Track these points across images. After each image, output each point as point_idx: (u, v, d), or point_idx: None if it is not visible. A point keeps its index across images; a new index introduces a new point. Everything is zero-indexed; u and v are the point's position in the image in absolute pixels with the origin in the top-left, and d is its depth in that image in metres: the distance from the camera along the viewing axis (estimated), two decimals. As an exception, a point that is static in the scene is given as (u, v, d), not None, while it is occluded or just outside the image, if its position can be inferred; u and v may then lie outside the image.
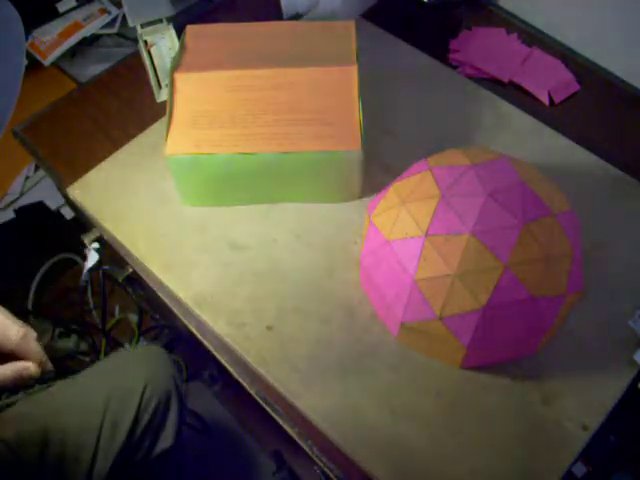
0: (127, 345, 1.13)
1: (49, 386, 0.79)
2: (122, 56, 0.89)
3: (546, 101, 0.81)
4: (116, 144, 0.77)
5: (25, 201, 1.24)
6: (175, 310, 0.69)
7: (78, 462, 0.72)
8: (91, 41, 1.06)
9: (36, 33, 1.02)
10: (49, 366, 0.59)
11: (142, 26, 0.79)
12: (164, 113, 0.66)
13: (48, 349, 1.11)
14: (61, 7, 1.04)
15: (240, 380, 0.65)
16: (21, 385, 0.57)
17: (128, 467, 0.77)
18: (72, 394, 0.77)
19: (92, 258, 0.77)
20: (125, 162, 0.75)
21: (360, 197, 0.71)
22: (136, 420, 0.76)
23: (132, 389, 0.77)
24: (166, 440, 0.81)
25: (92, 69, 1.04)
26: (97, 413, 0.74)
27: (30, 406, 0.75)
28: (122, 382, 0.78)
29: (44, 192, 1.25)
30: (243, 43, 0.70)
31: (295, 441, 0.61)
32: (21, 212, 1.24)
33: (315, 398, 0.58)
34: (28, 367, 0.56)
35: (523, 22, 0.90)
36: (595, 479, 0.59)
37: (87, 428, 0.73)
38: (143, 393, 0.77)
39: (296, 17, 0.89)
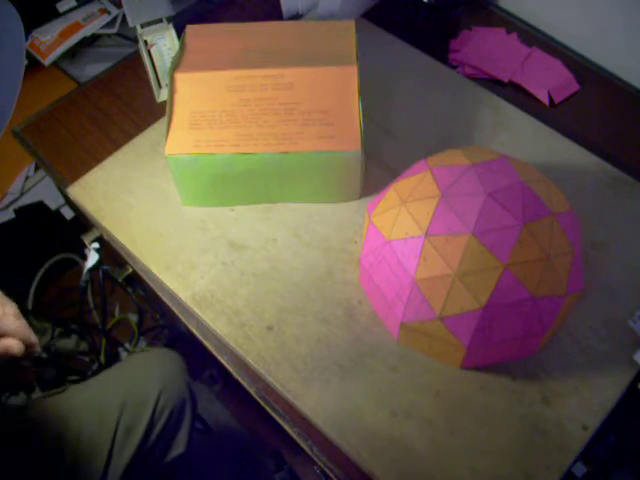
0: (127, 345, 1.13)
1: (64, 390, 0.79)
2: (122, 56, 0.89)
3: (546, 101, 0.81)
4: (116, 144, 0.77)
5: (25, 201, 1.24)
6: (175, 310, 0.69)
7: (91, 467, 0.72)
8: (91, 41, 1.06)
9: (36, 33, 1.02)
10: (33, 339, 0.54)
11: (142, 26, 0.79)
12: (164, 113, 0.66)
13: (48, 349, 1.11)
14: (61, 7, 1.04)
15: (240, 380, 0.65)
16: (9, 363, 0.53)
17: (140, 473, 0.76)
18: (86, 398, 0.77)
19: (92, 258, 0.77)
20: (125, 162, 0.75)
21: (360, 197, 0.71)
22: (150, 427, 0.76)
23: (147, 396, 0.77)
24: (178, 447, 0.81)
25: (92, 69, 1.04)
26: (111, 418, 0.74)
27: (45, 410, 0.75)
28: (137, 388, 0.78)
29: (44, 192, 1.25)
30: (243, 43, 0.70)
31: (295, 441, 0.61)
32: (21, 212, 1.24)
33: (315, 398, 0.58)
34: (11, 346, 0.52)
35: (523, 22, 0.90)
36: (595, 479, 0.59)
37: (101, 433, 0.73)
38: (157, 400, 0.77)
39: (296, 17, 0.89)
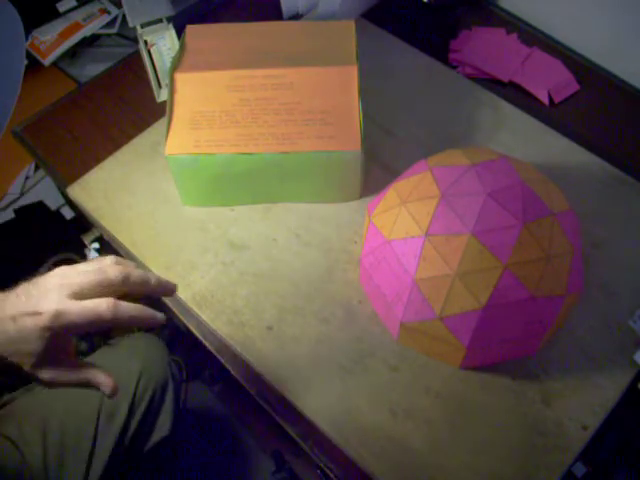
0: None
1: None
2: (122, 56, 0.89)
3: (546, 101, 0.81)
4: (116, 144, 0.77)
5: (25, 201, 1.24)
6: (175, 310, 0.69)
7: (77, 455, 0.72)
8: (91, 41, 1.06)
9: (36, 33, 1.02)
10: (159, 316, 0.51)
11: (142, 26, 0.79)
12: (164, 113, 0.66)
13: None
14: (61, 7, 1.04)
15: (240, 380, 0.65)
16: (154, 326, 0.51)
17: (127, 457, 0.77)
18: (67, 389, 0.78)
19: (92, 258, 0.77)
20: (125, 162, 0.75)
21: (360, 197, 0.71)
22: (131, 410, 0.76)
23: (127, 379, 0.77)
24: (163, 429, 0.81)
25: (92, 69, 1.04)
26: (93, 405, 0.74)
27: (29, 401, 0.75)
28: (115, 373, 0.79)
29: (44, 192, 1.25)
30: (243, 43, 0.70)
31: (295, 441, 0.61)
32: (21, 212, 1.23)
33: (315, 398, 0.58)
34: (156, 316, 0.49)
35: (523, 22, 0.90)
36: (595, 479, 0.60)
37: (84, 421, 0.74)
38: (138, 383, 0.77)
39: (296, 17, 0.89)
